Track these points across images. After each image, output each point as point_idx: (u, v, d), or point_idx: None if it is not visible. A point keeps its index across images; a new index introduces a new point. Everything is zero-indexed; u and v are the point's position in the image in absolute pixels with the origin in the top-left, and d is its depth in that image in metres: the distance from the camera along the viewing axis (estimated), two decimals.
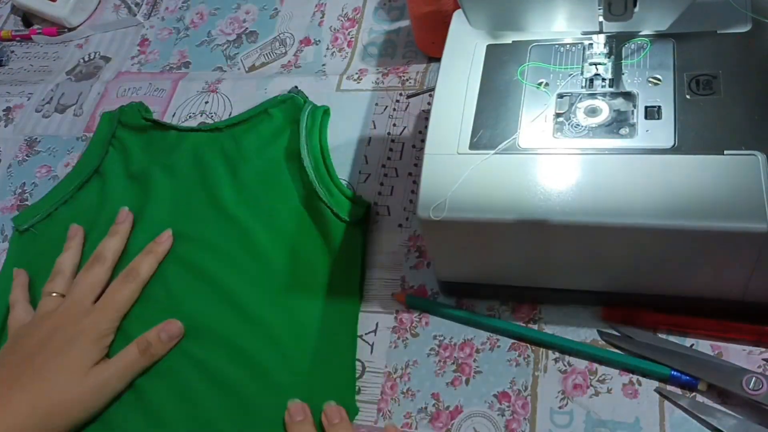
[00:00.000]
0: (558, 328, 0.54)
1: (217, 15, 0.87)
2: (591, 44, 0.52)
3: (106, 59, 0.89)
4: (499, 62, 0.54)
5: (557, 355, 0.53)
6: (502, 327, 0.54)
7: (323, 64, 0.78)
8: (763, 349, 0.49)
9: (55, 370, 0.53)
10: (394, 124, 0.70)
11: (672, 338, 0.51)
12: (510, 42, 0.55)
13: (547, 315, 0.55)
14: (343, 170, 0.68)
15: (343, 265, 0.60)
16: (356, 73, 0.75)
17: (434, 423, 0.53)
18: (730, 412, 0.47)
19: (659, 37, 0.51)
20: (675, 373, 0.49)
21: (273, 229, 0.62)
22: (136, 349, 0.55)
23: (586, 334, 0.53)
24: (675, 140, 0.46)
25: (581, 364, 0.52)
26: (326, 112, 0.70)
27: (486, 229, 0.48)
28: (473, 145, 0.49)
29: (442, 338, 0.56)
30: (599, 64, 0.51)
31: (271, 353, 0.56)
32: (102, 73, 0.88)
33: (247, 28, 0.84)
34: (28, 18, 0.97)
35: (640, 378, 0.50)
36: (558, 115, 0.50)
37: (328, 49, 0.79)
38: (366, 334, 0.58)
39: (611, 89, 0.50)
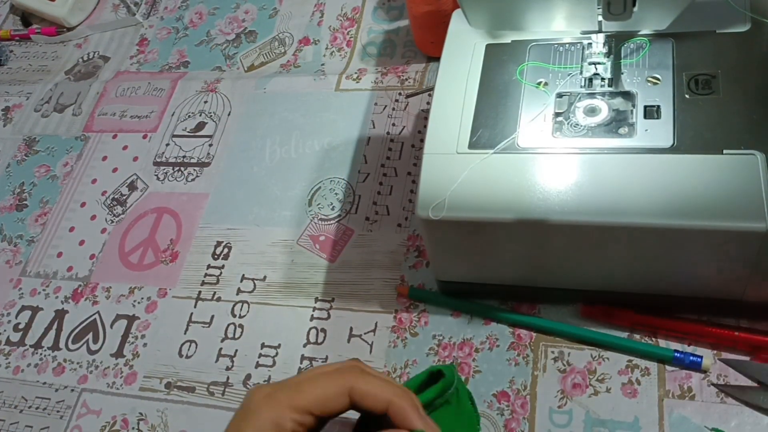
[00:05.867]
0: None
1: (216, 14, 0.87)
2: (590, 44, 0.52)
3: (105, 59, 0.89)
4: (499, 62, 0.54)
5: (556, 354, 0.53)
6: (504, 316, 0.55)
7: (322, 64, 0.78)
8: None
9: None
10: (394, 124, 0.70)
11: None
12: (509, 41, 0.55)
13: (546, 314, 0.55)
14: (342, 170, 0.68)
15: None
16: (355, 73, 0.75)
17: None
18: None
19: (658, 36, 0.51)
20: (678, 354, 0.49)
21: None
22: None
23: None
24: (674, 140, 0.46)
25: (580, 363, 0.52)
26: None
27: (485, 229, 0.48)
28: (472, 145, 0.49)
29: (441, 338, 0.56)
30: (598, 63, 0.51)
31: None
32: (101, 72, 0.88)
33: (246, 28, 0.84)
34: (27, 17, 0.97)
35: (639, 377, 0.50)
36: (557, 114, 0.50)
37: (327, 48, 0.79)
38: (365, 333, 0.58)
39: (610, 89, 0.50)
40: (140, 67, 0.86)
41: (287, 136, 0.73)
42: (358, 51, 0.77)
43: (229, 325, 0.63)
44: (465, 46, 0.55)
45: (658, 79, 0.49)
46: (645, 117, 0.48)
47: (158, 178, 0.75)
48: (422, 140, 0.54)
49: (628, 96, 0.50)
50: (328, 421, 0.39)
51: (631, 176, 0.45)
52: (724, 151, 0.44)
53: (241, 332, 0.62)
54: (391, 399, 0.36)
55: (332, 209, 0.66)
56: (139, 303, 0.67)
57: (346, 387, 0.36)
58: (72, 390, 0.64)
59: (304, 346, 0.60)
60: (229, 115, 0.77)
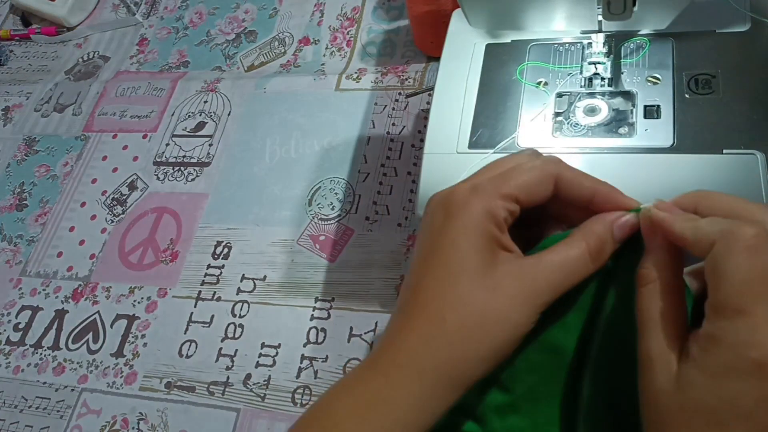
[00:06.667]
0: None
1: (216, 14, 0.87)
2: (590, 43, 0.52)
3: (105, 59, 0.89)
4: (499, 61, 0.54)
5: None
6: None
7: (322, 64, 0.78)
8: None
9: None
10: (393, 124, 0.70)
11: None
12: (509, 41, 0.55)
13: None
14: (342, 169, 0.68)
15: None
16: (355, 73, 0.75)
17: None
18: None
19: (658, 36, 0.51)
20: None
21: None
22: (585, 246, 0.32)
23: None
24: (674, 139, 0.46)
25: None
26: None
27: None
28: (472, 144, 0.49)
29: None
30: (598, 63, 0.51)
31: None
32: (101, 72, 0.88)
33: (246, 28, 0.84)
34: (27, 17, 0.97)
35: None
36: (557, 114, 0.50)
37: (327, 48, 0.79)
38: (365, 333, 0.58)
39: (610, 88, 0.50)
40: (140, 67, 0.86)
41: (287, 136, 0.73)
42: (358, 51, 0.77)
43: (229, 324, 0.63)
44: (465, 46, 0.55)
45: (658, 78, 0.49)
46: (645, 117, 0.48)
47: (158, 178, 0.75)
48: (422, 140, 0.54)
49: (628, 96, 0.50)
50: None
51: (631, 176, 0.45)
52: (724, 151, 0.44)
53: (241, 332, 0.62)
54: (597, 186, 0.34)
55: (332, 209, 0.66)
56: (139, 303, 0.67)
57: (551, 174, 0.33)
58: (72, 390, 0.64)
59: (304, 345, 0.60)
60: (229, 115, 0.77)
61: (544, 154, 0.35)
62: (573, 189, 0.34)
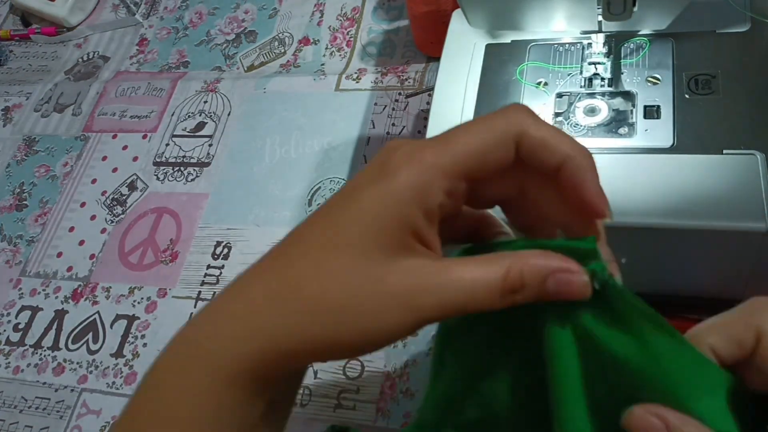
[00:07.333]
0: None
1: (216, 14, 0.87)
2: (590, 43, 0.52)
3: (105, 59, 0.89)
4: (498, 62, 0.54)
5: None
6: None
7: (322, 64, 0.78)
8: None
9: None
10: (393, 124, 0.70)
11: None
12: (509, 41, 0.55)
13: None
14: (341, 170, 0.68)
15: None
16: (355, 73, 0.75)
17: None
18: None
19: (658, 36, 0.51)
20: None
21: None
22: (500, 274, 0.27)
23: None
24: (674, 140, 0.46)
25: None
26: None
27: None
28: None
29: None
30: (598, 63, 0.51)
31: None
32: (101, 72, 0.88)
33: (246, 28, 0.84)
34: (26, 17, 0.97)
35: None
36: (557, 114, 0.50)
37: (327, 48, 0.79)
38: None
39: (610, 89, 0.50)
40: (140, 67, 0.86)
41: (287, 136, 0.73)
42: (358, 51, 0.77)
43: None
44: (465, 46, 0.55)
45: (658, 79, 0.49)
46: (645, 117, 0.48)
47: (158, 178, 0.75)
48: None
49: (628, 96, 0.50)
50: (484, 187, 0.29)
51: (631, 176, 0.45)
52: (724, 151, 0.44)
53: None
54: (568, 153, 0.27)
55: None
56: (139, 303, 0.67)
57: (512, 132, 0.27)
58: (72, 390, 0.64)
59: None
60: (229, 115, 0.77)
61: (510, 106, 0.28)
62: (539, 153, 0.27)
